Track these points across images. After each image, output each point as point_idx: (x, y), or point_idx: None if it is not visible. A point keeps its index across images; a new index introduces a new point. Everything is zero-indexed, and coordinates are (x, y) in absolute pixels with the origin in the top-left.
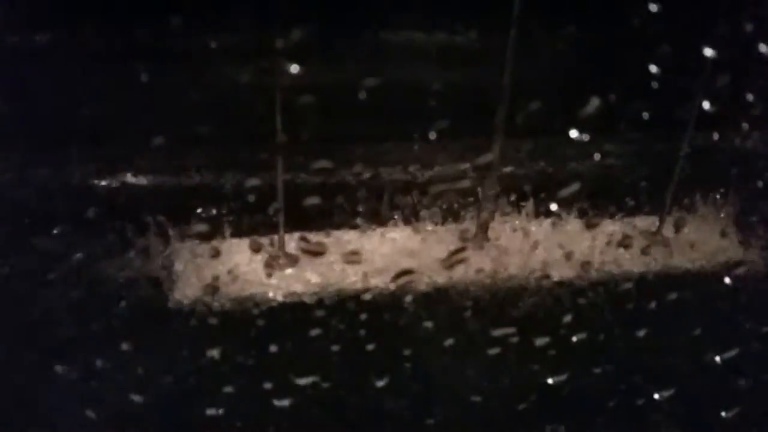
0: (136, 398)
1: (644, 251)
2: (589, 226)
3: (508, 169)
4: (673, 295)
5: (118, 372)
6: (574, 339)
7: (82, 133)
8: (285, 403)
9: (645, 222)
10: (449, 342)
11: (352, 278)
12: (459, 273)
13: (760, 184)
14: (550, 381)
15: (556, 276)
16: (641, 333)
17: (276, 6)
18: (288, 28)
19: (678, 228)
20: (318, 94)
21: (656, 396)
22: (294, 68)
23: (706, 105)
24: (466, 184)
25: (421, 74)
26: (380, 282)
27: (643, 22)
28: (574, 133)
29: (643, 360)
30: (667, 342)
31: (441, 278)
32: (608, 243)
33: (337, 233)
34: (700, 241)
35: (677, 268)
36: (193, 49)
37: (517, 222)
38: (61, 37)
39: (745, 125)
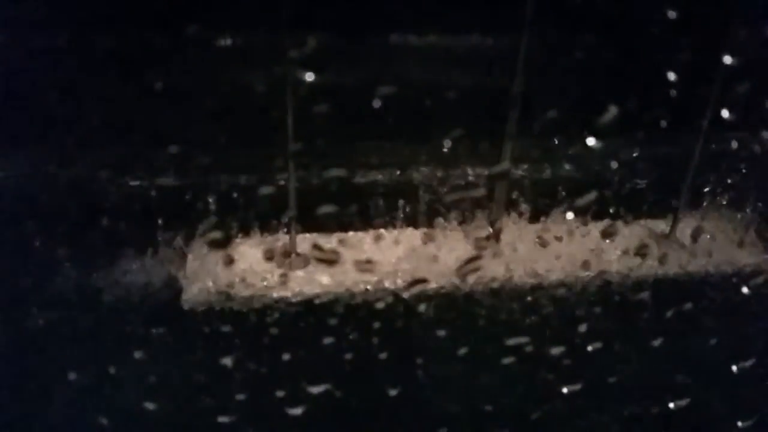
0: (148, 405)
1: (660, 258)
2: (605, 233)
3: (522, 176)
4: (688, 304)
5: (129, 378)
6: (590, 348)
7: (94, 137)
8: (297, 411)
9: (660, 228)
10: (463, 351)
11: (365, 286)
12: (473, 281)
13: None
14: (564, 390)
15: (570, 283)
16: (657, 341)
17: (288, 12)
18: (301, 33)
19: (694, 234)
20: (330, 99)
21: (671, 405)
22: (309, 76)
23: (721, 109)
24: (480, 191)
25: (434, 79)
26: (393, 290)
27: (658, 26)
28: (591, 141)
29: (658, 369)
30: (683, 350)
31: (455, 286)
32: (624, 250)
33: (350, 240)
34: (717, 247)
35: (693, 275)
36: (207, 54)
37: (531, 229)
38: (73, 39)
39: (761, 130)
